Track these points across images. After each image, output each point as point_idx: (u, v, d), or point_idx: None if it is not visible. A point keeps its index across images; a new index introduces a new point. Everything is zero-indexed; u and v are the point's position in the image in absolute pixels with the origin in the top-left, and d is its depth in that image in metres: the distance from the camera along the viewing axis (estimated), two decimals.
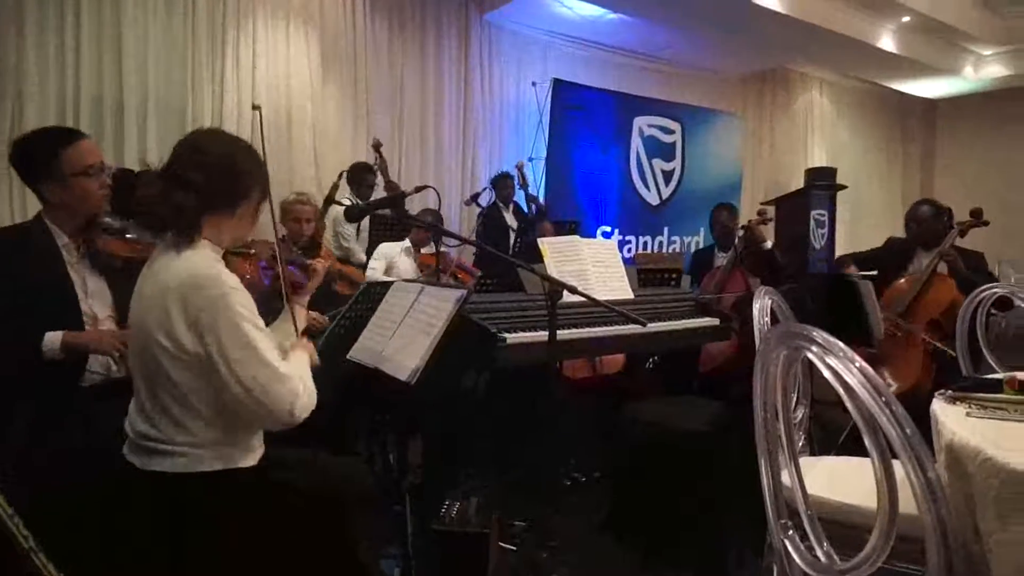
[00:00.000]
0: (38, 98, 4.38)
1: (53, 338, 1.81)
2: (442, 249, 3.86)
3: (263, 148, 1.61)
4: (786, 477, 1.37)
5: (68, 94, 4.49)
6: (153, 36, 4.75)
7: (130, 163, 4.38)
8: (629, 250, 6.97)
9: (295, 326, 1.80)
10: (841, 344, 0.97)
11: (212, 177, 1.49)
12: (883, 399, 0.87)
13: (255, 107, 4.46)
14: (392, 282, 2.69)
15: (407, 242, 4.15)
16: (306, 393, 1.50)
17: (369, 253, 4.35)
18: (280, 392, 1.43)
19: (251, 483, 1.49)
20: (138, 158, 4.49)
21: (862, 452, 1.05)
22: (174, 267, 1.43)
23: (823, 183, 7.52)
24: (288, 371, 1.47)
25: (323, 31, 5.53)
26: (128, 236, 2.02)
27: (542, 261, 2.79)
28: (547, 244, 2.86)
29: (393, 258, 4.06)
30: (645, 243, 7.23)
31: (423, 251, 4.14)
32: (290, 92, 5.36)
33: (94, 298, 1.97)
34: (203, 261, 1.45)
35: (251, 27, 5.15)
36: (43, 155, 1.89)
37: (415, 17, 6.14)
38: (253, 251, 2.40)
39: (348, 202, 4.71)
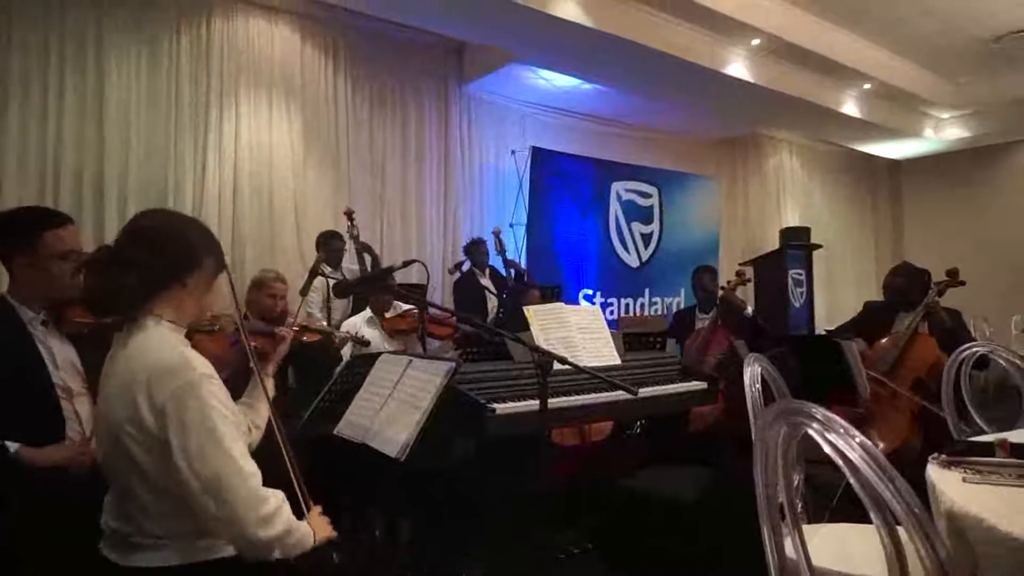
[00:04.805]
0: (17, 173, 4.36)
1: (17, 448, 1.76)
2: (414, 310, 3.82)
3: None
4: (789, 548, 1.34)
5: (48, 169, 4.47)
6: (135, 110, 4.78)
7: (110, 239, 4.31)
8: (611, 312, 7.00)
9: (265, 394, 1.79)
10: (841, 420, 0.98)
11: (152, 253, 1.46)
12: (887, 475, 0.87)
13: None
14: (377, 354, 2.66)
15: (368, 312, 4.04)
16: (284, 517, 1.39)
17: None
18: (242, 492, 1.33)
19: (237, 573, 1.43)
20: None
21: (857, 513, 1.04)
22: (140, 353, 1.39)
23: (798, 243, 7.72)
24: (256, 471, 1.38)
25: (304, 104, 5.61)
26: None
27: (528, 328, 2.80)
28: (533, 312, 2.87)
29: (359, 332, 3.86)
30: (627, 305, 7.27)
31: (387, 315, 4.06)
32: (272, 165, 5.39)
33: (65, 369, 1.94)
34: (168, 345, 1.41)
35: (234, 101, 5.20)
36: (25, 230, 1.90)
37: (396, 89, 6.25)
38: (217, 327, 2.36)
39: (328, 270, 4.71)
